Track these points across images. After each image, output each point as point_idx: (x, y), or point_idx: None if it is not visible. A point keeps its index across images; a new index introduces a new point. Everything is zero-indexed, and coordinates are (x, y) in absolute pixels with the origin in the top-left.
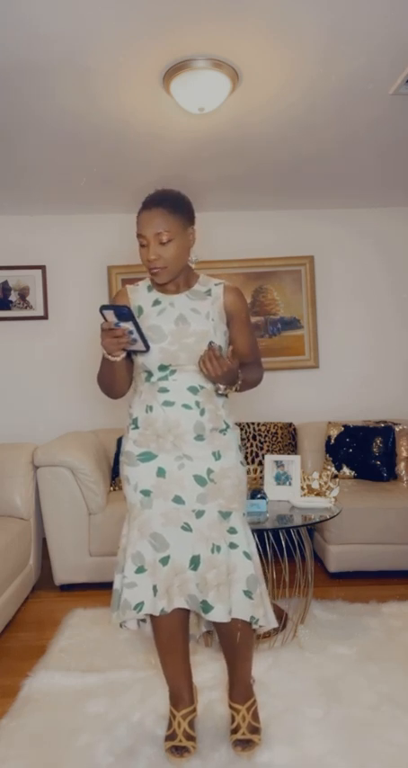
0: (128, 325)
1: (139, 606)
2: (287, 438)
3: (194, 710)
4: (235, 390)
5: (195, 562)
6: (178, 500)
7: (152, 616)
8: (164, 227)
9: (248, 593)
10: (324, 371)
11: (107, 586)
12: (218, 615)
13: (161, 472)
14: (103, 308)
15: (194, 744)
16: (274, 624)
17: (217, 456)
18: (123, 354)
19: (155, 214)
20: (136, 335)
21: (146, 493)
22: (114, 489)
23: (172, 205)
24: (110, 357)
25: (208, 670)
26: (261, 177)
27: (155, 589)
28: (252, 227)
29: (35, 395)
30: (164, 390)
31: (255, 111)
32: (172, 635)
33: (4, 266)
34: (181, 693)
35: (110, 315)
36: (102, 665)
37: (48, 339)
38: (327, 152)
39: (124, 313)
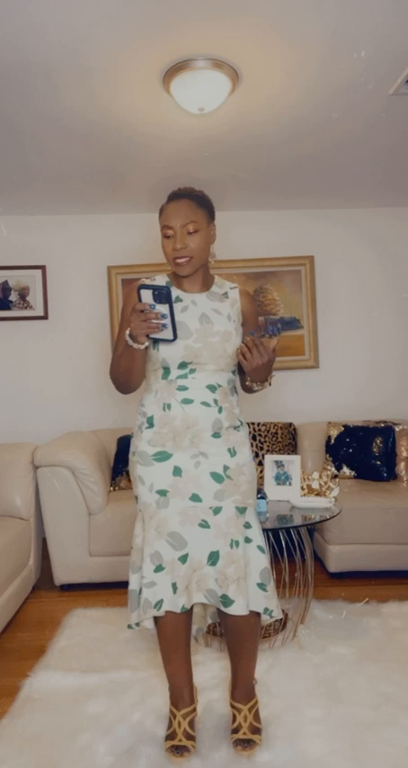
0: (164, 309)
1: (159, 604)
2: (287, 438)
3: (194, 710)
4: (268, 385)
5: (213, 558)
6: (195, 498)
7: None
8: (192, 218)
9: (262, 586)
10: (324, 371)
11: (107, 586)
12: (239, 608)
13: (177, 471)
14: (142, 287)
15: (194, 743)
16: (279, 615)
17: (232, 452)
18: (147, 342)
19: (182, 205)
20: (168, 321)
21: (162, 493)
22: (114, 489)
23: (198, 198)
24: (134, 344)
25: (209, 670)
26: (262, 177)
27: (174, 587)
28: (252, 227)
29: (35, 395)
30: (182, 388)
31: (255, 112)
32: (175, 633)
33: (4, 266)
34: (182, 692)
35: (147, 295)
36: (102, 665)
37: (48, 339)
38: (327, 152)
39: (164, 294)
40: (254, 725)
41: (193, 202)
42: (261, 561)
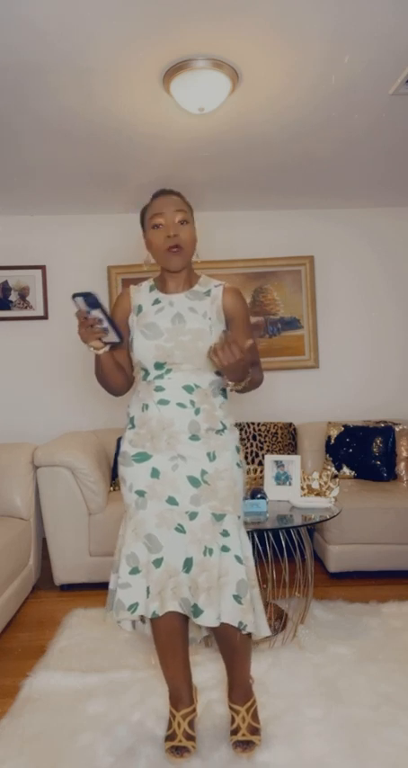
0: (98, 313)
1: (133, 607)
2: (287, 438)
3: (194, 711)
4: (243, 389)
5: (188, 565)
6: (172, 501)
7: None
8: (182, 208)
9: (237, 598)
10: (324, 371)
11: (107, 586)
12: (208, 619)
13: (155, 473)
14: (75, 295)
15: (194, 744)
16: (265, 632)
17: (211, 457)
18: (105, 348)
19: (172, 198)
20: (106, 324)
21: (140, 493)
22: (114, 489)
23: (182, 197)
24: (91, 350)
25: (208, 670)
26: (262, 177)
27: (147, 590)
28: (252, 227)
29: (35, 395)
30: (159, 389)
31: (255, 111)
32: (171, 636)
33: (4, 266)
34: (181, 694)
35: (81, 302)
36: (102, 665)
37: (48, 339)
38: (327, 152)
39: (91, 300)
40: (253, 725)
41: (180, 198)
42: (239, 572)
